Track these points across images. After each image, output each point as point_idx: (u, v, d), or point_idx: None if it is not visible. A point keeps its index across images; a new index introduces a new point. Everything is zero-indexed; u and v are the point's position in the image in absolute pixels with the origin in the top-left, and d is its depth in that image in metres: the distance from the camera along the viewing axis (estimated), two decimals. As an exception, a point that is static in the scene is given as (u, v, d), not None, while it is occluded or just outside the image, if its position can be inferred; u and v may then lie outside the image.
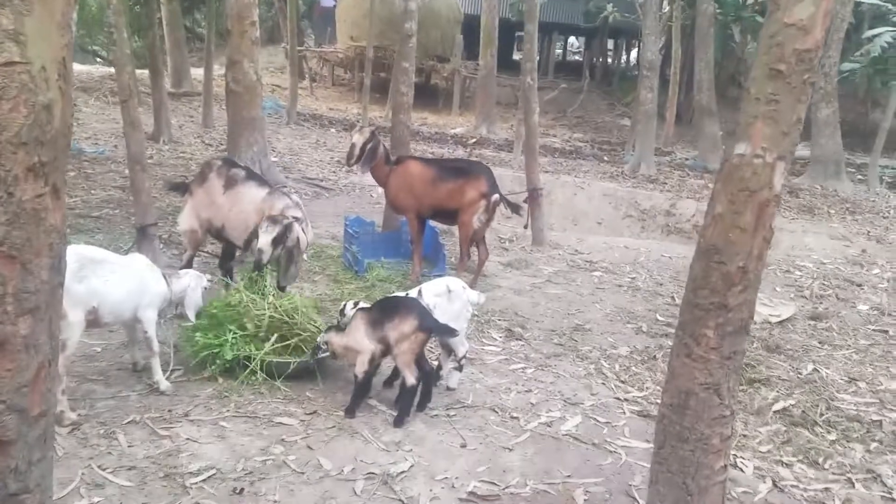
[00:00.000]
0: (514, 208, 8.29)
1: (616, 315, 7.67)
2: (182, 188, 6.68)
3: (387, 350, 4.83)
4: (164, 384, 4.94)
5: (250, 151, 9.73)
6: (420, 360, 4.88)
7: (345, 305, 5.55)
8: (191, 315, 5.41)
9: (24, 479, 2.48)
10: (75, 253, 4.50)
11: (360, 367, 4.85)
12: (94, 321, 4.60)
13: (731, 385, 3.05)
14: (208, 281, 5.71)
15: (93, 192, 10.36)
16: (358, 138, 7.65)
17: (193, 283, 5.42)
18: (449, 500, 4.05)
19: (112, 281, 4.62)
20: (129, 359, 5.24)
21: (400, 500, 4.01)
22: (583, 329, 7.10)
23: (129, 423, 4.52)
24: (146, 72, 16.34)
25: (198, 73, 21.41)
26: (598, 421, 5.20)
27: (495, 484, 4.25)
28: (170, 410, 4.72)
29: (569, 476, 4.43)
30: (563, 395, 5.57)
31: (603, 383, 5.91)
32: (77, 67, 22.24)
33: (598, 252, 10.36)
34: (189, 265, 6.42)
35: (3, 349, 2.38)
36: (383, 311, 4.89)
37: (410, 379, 4.77)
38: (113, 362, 5.36)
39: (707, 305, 3.00)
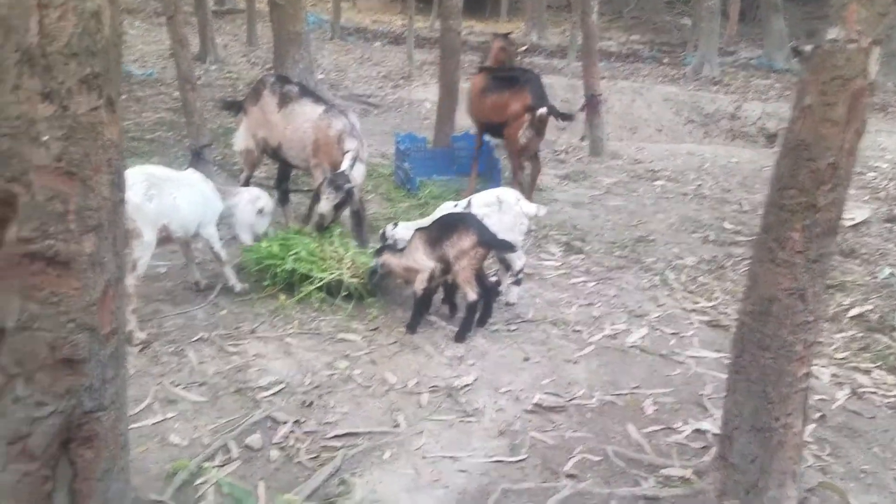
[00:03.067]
0: (566, 118, 7.90)
1: (681, 225, 7.41)
2: (236, 107, 6.59)
3: (447, 268, 4.75)
4: (238, 286, 5.16)
5: (296, 69, 9.51)
6: (480, 276, 4.80)
7: (384, 230, 5.46)
8: (244, 237, 5.38)
9: (98, 396, 2.51)
10: (142, 173, 4.57)
11: (420, 285, 4.79)
12: (165, 238, 4.73)
13: (816, 290, 2.87)
14: (265, 203, 5.54)
15: (144, 114, 10.40)
16: None
17: (245, 201, 5.36)
18: (514, 412, 4.04)
19: (179, 197, 4.70)
20: (191, 279, 5.31)
21: (465, 411, 4.00)
22: (646, 240, 6.88)
23: (197, 340, 4.60)
24: (189, -9, 16.12)
25: (241, -9, 21.05)
26: (664, 332, 5.07)
27: (560, 396, 4.21)
28: (236, 328, 4.78)
29: (636, 387, 4.35)
30: (627, 308, 5.44)
31: (669, 295, 5.75)
32: (121, -8, 22.07)
33: (660, 160, 9.98)
34: (246, 185, 6.39)
35: (68, 268, 2.37)
36: (441, 229, 4.78)
37: (471, 295, 4.70)
38: (178, 282, 5.43)
39: (793, 206, 2.78)
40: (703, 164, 9.92)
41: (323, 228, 5.57)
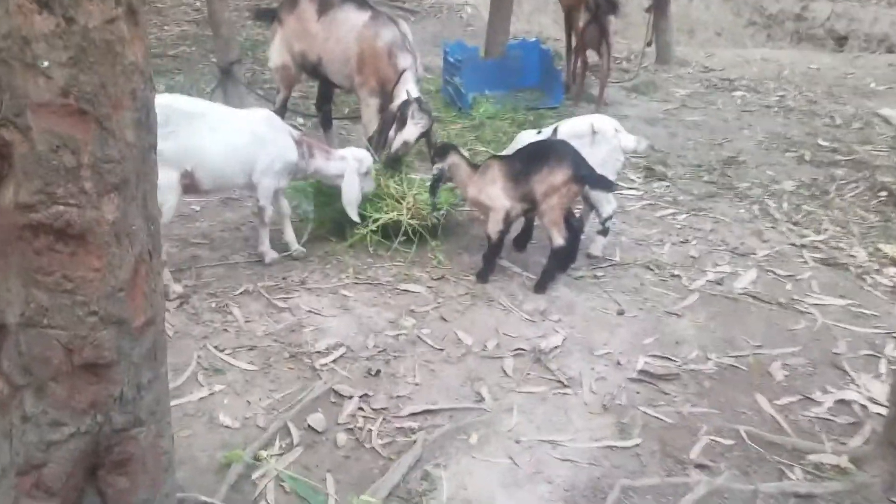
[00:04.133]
0: (613, 7, 7.09)
1: (770, 142, 6.55)
2: (269, 16, 5.73)
3: (531, 206, 4.04)
4: (270, 255, 4.28)
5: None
6: (568, 216, 4.08)
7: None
8: (351, 212, 4.31)
9: (132, 409, 1.92)
10: (161, 103, 3.74)
11: (494, 227, 4.10)
12: (190, 186, 3.91)
13: None
14: (369, 163, 4.43)
15: (165, 28, 9.56)
16: None
17: (352, 169, 4.27)
18: (617, 380, 3.41)
19: (212, 139, 3.86)
20: (282, 240, 4.40)
21: (559, 380, 3.39)
22: (735, 162, 6.07)
23: (241, 293, 4.01)
24: None
25: None
26: (777, 275, 4.36)
27: (670, 359, 3.57)
28: (284, 278, 4.18)
29: (759, 346, 3.69)
30: (728, 245, 4.72)
31: (773, 227, 5.00)
32: None
33: (734, 67, 8.97)
34: (283, 109, 5.65)
35: (85, 242, 1.74)
36: (528, 159, 4.03)
37: (558, 239, 4.00)
38: (214, 222, 4.82)
39: None
40: (782, 72, 8.90)
41: (399, 161, 4.87)
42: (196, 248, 4.47)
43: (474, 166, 4.21)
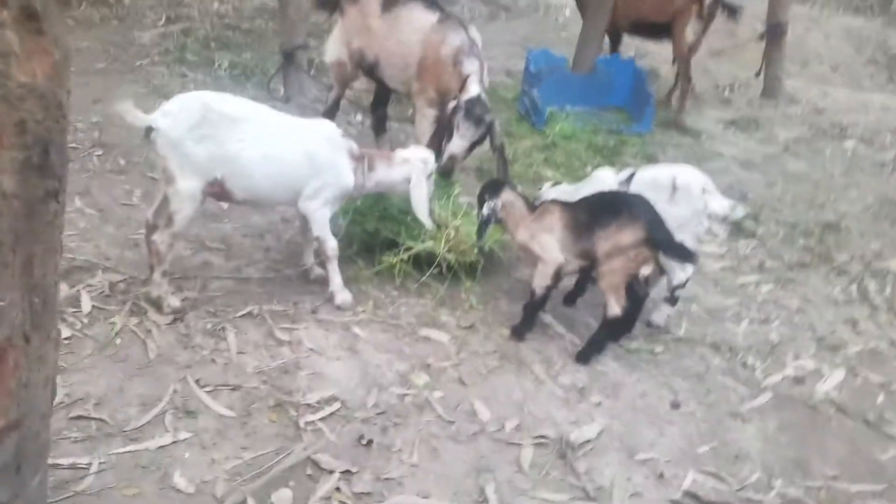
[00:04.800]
0: (733, 12, 6.70)
1: (880, 208, 5.68)
2: (331, 5, 5.22)
3: (590, 265, 3.44)
4: (342, 296, 3.71)
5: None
6: (632, 282, 3.45)
7: (541, 188, 4.19)
8: (423, 217, 3.71)
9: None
10: (199, 102, 3.31)
11: (541, 281, 3.52)
12: (220, 194, 3.47)
13: None
14: (433, 165, 3.87)
15: (245, -2, 9.24)
16: None
17: (419, 171, 3.71)
18: (655, 498, 2.80)
19: (251, 148, 3.36)
20: (303, 263, 3.94)
21: (584, 489, 2.80)
22: (836, 228, 5.25)
23: (244, 315, 3.56)
24: None
25: None
26: (868, 380, 3.63)
27: (723, 479, 2.92)
28: (295, 303, 3.70)
29: (834, 477, 3.00)
30: (815, 332, 3.99)
31: (870, 316, 4.23)
32: None
33: (848, 112, 8.00)
34: (335, 108, 5.19)
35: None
36: (595, 210, 3.42)
37: (615, 308, 3.38)
38: (238, 225, 4.39)
39: None
40: (905, 123, 7.87)
41: (450, 174, 4.35)
42: (210, 254, 4.05)
43: (531, 206, 3.64)
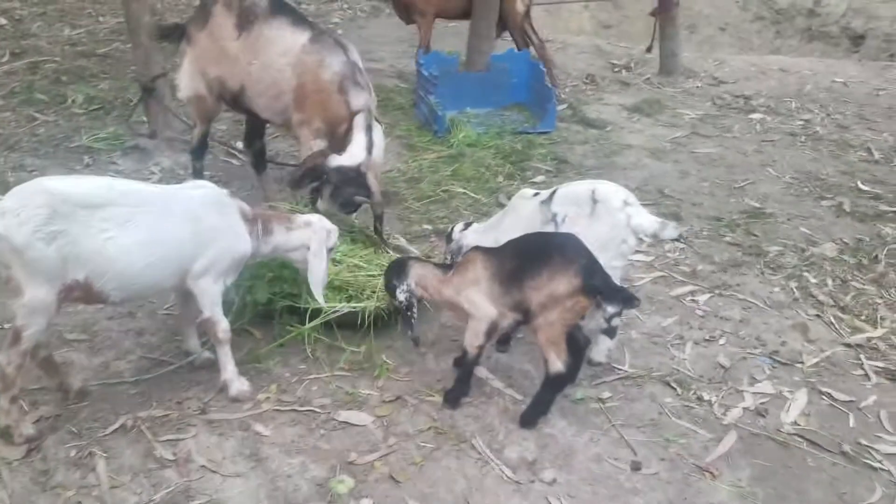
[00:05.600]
0: None
1: (801, 185, 5.52)
2: (177, 33, 4.48)
3: (523, 318, 2.98)
4: (237, 387, 3.11)
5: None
6: (574, 333, 3.01)
7: (452, 229, 3.71)
8: (317, 293, 3.21)
9: None
10: (45, 193, 2.62)
11: (474, 339, 3.03)
12: (87, 298, 2.82)
13: None
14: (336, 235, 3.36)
15: (101, 19, 8.28)
16: None
17: (317, 241, 3.21)
18: None
19: (121, 237, 2.73)
20: (185, 346, 3.34)
21: None
22: (762, 214, 5.02)
23: (116, 431, 2.91)
24: None
25: None
26: (833, 399, 3.34)
27: (705, 559, 2.54)
28: (179, 402, 3.08)
29: (822, 532, 2.67)
30: (765, 346, 3.69)
31: (818, 315, 3.98)
32: None
33: (748, 81, 7.90)
34: (202, 146, 4.51)
35: None
36: (522, 256, 2.96)
37: (556, 364, 2.93)
38: (100, 307, 3.66)
39: None
40: (803, 87, 7.85)
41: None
42: (70, 350, 3.35)
43: (443, 267, 3.17)
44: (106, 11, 8.61)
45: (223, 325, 3.06)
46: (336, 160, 3.75)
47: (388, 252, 3.86)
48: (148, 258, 2.81)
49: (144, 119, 5.50)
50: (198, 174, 4.69)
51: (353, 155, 3.78)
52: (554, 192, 3.43)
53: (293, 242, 3.23)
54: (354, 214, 4.05)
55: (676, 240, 3.43)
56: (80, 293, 2.76)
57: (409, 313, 3.11)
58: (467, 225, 3.68)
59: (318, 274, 3.19)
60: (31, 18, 7.69)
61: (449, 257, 3.67)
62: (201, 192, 3.06)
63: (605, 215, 3.24)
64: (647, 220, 3.22)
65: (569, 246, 2.92)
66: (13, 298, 2.66)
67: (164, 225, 2.85)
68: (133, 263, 2.77)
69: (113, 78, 6.61)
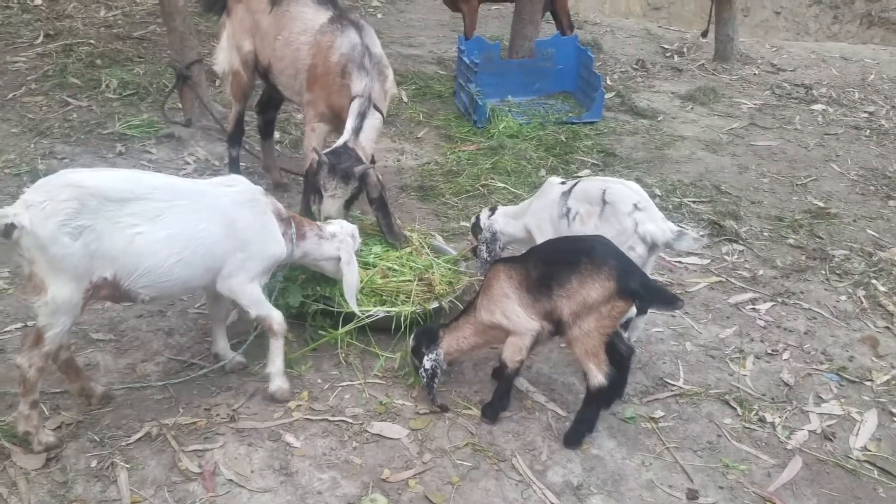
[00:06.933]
0: None
1: (867, 183, 5.17)
2: (220, 4, 4.39)
3: (555, 329, 2.77)
4: (278, 383, 2.97)
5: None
6: (615, 342, 2.79)
7: (478, 217, 3.52)
8: (352, 301, 3.12)
9: None
10: (72, 186, 2.48)
11: (515, 355, 2.83)
12: (116, 296, 2.70)
13: None
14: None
15: (137, 0, 8.18)
16: None
17: (347, 250, 3.11)
18: None
19: (150, 232, 2.60)
20: (214, 349, 3.19)
21: None
22: (826, 215, 4.70)
23: (140, 440, 2.77)
24: None
25: None
26: (907, 422, 3.06)
27: None
28: (207, 409, 2.94)
29: (900, 577, 2.42)
30: (832, 361, 3.41)
31: (888, 327, 3.68)
32: None
33: (808, 69, 7.48)
34: (239, 129, 4.39)
35: None
36: (548, 262, 2.75)
37: (597, 377, 2.71)
38: (128, 305, 3.54)
39: None
40: (866, 77, 7.40)
41: None
42: (96, 350, 3.23)
43: (460, 319, 2.99)
44: (144, -6, 8.51)
45: (277, 318, 2.94)
46: (320, 155, 3.60)
47: (424, 253, 3.66)
48: (179, 255, 2.67)
49: (179, 106, 5.37)
50: (234, 164, 4.58)
51: (344, 137, 3.66)
52: (574, 185, 3.22)
53: (325, 251, 3.12)
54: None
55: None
56: (107, 291, 2.63)
57: (432, 381, 2.93)
58: (493, 210, 3.48)
59: (351, 283, 3.08)
60: (67, -1, 7.63)
61: (484, 248, 3.47)
62: (235, 189, 2.90)
63: (613, 218, 3.03)
64: (657, 228, 2.95)
65: (597, 248, 2.70)
66: (35, 296, 2.54)
67: (196, 221, 2.71)
68: (162, 261, 2.64)
69: (149, 62, 6.50)
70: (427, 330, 3.04)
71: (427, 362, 2.91)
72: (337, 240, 3.10)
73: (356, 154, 3.60)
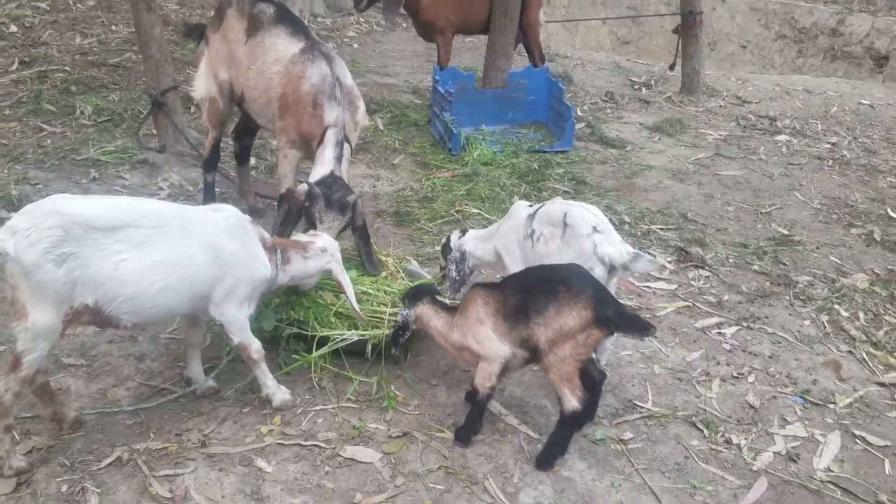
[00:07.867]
0: None
1: (829, 211, 5.32)
2: (198, 32, 4.51)
3: (531, 356, 2.82)
4: (280, 397, 3.06)
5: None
6: (588, 368, 2.86)
7: (448, 239, 3.59)
8: (357, 308, 3.19)
9: None
10: (57, 213, 2.49)
11: (485, 381, 2.87)
12: (98, 322, 2.69)
13: None
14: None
15: (113, 28, 8.20)
16: None
17: (337, 262, 3.19)
18: None
19: (135, 259, 2.61)
20: (187, 373, 3.18)
21: None
22: (790, 242, 4.83)
23: (111, 464, 2.76)
24: None
25: None
26: (868, 444, 3.14)
27: None
28: (178, 434, 2.93)
29: None
30: (796, 384, 3.50)
31: (850, 350, 3.79)
32: None
33: (773, 101, 7.72)
34: (215, 155, 4.45)
35: None
36: (525, 290, 2.81)
37: (571, 401, 2.76)
38: (99, 331, 3.52)
39: None
40: (829, 109, 7.64)
41: None
42: (67, 375, 3.22)
43: (450, 309, 3.02)
44: (118, 20, 8.54)
45: (255, 346, 2.98)
46: (311, 178, 3.67)
47: (399, 277, 3.71)
48: (163, 282, 2.68)
49: (154, 132, 5.39)
50: (209, 189, 4.61)
51: (324, 164, 3.71)
52: (539, 208, 3.31)
53: (311, 270, 3.17)
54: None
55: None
56: (88, 317, 2.64)
57: (398, 337, 3.06)
58: (464, 232, 3.57)
59: (351, 290, 3.16)
60: (43, 26, 7.62)
61: (453, 267, 3.53)
62: (222, 216, 2.93)
63: (573, 240, 3.10)
64: (615, 250, 3.02)
65: (574, 277, 2.76)
66: (16, 321, 2.53)
67: (181, 248, 2.72)
68: (146, 287, 2.65)
69: (124, 89, 6.52)
70: (415, 290, 3.15)
71: (399, 316, 3.04)
72: (328, 254, 3.17)
73: (344, 183, 3.66)
